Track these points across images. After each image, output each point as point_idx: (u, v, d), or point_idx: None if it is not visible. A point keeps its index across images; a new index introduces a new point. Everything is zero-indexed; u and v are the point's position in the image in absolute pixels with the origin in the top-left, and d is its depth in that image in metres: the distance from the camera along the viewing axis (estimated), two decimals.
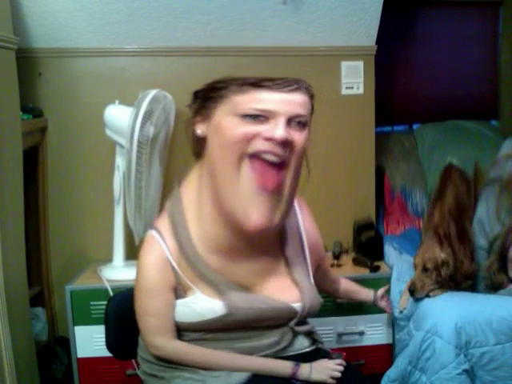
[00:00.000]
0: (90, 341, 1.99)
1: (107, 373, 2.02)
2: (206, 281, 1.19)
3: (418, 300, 1.87)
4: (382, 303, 1.77)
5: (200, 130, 1.20)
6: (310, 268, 1.33)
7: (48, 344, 2.21)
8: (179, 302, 1.21)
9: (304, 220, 1.36)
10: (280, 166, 1.13)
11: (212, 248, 1.20)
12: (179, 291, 1.20)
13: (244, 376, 1.19)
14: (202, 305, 1.19)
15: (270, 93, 1.11)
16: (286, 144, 1.11)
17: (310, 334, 1.33)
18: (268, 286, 1.25)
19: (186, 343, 1.23)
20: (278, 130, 1.09)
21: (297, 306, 1.25)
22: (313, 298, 1.28)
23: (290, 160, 1.13)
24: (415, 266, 1.92)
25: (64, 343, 2.18)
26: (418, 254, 1.95)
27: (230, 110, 1.13)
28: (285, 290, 1.26)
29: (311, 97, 1.18)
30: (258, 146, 1.10)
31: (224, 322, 1.18)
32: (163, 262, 1.19)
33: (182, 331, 1.23)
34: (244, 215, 1.12)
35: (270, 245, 1.27)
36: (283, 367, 1.22)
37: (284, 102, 1.11)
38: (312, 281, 1.32)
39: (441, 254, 1.89)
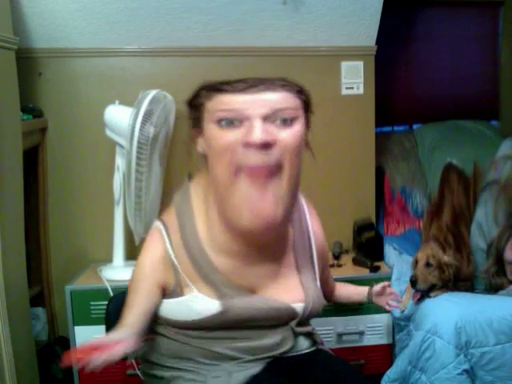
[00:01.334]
0: None
1: (107, 373, 2.01)
2: (206, 280, 1.18)
3: (419, 301, 1.87)
4: (381, 301, 1.55)
5: (200, 146, 1.17)
6: (316, 271, 1.33)
7: (48, 344, 2.21)
8: (175, 300, 1.19)
9: (313, 225, 1.35)
10: (272, 167, 1.08)
11: (222, 251, 1.19)
12: (176, 289, 1.19)
13: (243, 377, 1.18)
14: (199, 303, 1.17)
15: (234, 95, 1.08)
16: (269, 145, 1.05)
17: (310, 335, 1.33)
18: (274, 287, 1.24)
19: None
20: (254, 132, 1.04)
21: (299, 306, 1.24)
22: (316, 299, 1.27)
23: (282, 160, 1.08)
24: (416, 262, 1.93)
25: (64, 343, 2.18)
26: (421, 251, 1.95)
27: (208, 118, 1.11)
28: (290, 291, 1.25)
29: (301, 93, 1.14)
30: (243, 157, 1.06)
31: (220, 319, 1.17)
32: (161, 258, 1.18)
33: (181, 329, 1.22)
34: (248, 217, 1.08)
35: (280, 248, 1.26)
36: None
37: (253, 102, 1.07)
38: (318, 283, 1.32)
39: (444, 257, 1.90)
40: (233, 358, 1.21)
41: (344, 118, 2.39)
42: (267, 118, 1.07)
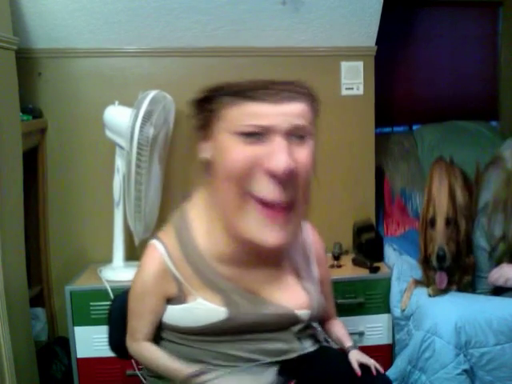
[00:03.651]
0: (90, 341, 2.00)
1: (107, 373, 2.02)
2: (212, 288, 1.17)
3: (445, 290, 1.85)
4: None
5: (205, 152, 1.08)
6: (316, 276, 1.31)
7: (48, 344, 2.20)
8: (179, 307, 1.19)
9: (308, 232, 1.33)
10: (286, 204, 1.02)
11: (225, 261, 1.17)
12: (179, 297, 1.19)
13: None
14: (204, 310, 1.17)
15: (265, 105, 0.98)
16: (289, 178, 0.98)
17: (312, 336, 1.32)
18: (278, 292, 1.22)
19: (145, 345, 1.24)
20: (279, 157, 0.96)
21: (304, 312, 1.23)
22: (320, 304, 1.26)
23: (296, 196, 1.02)
24: (432, 221, 1.81)
25: (64, 343, 2.18)
26: (437, 201, 1.76)
27: (226, 127, 1.02)
28: (293, 297, 1.23)
29: (312, 100, 1.06)
30: (257, 185, 0.99)
31: (227, 325, 1.17)
32: (162, 272, 1.18)
33: (183, 334, 1.22)
34: (259, 239, 1.06)
35: (280, 255, 1.24)
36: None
37: (280, 114, 0.99)
38: (319, 288, 1.30)
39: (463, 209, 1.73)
40: (247, 359, 1.20)
41: (344, 118, 2.39)
42: (288, 135, 0.99)
